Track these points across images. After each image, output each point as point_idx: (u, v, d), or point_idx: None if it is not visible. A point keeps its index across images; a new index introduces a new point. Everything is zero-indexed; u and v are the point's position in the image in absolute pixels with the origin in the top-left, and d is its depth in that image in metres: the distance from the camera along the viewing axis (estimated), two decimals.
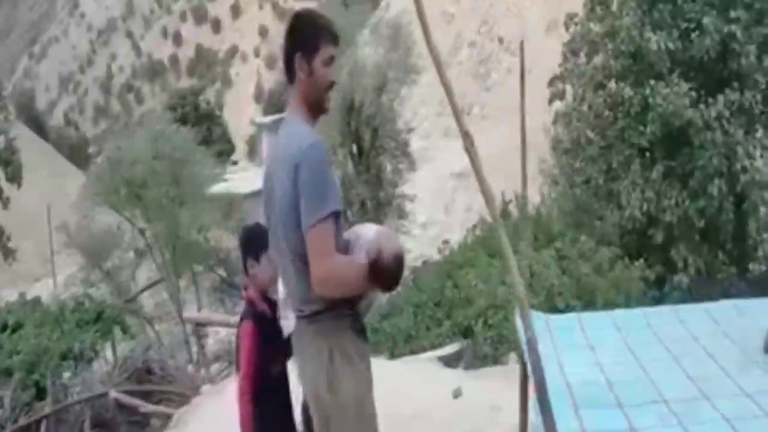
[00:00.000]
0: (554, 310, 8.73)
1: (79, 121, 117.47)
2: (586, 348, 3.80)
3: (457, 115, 2.74)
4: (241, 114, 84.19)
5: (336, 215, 3.00)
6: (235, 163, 71.54)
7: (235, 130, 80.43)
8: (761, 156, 13.47)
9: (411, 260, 12.95)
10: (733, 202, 11.90)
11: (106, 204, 20.59)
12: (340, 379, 3.15)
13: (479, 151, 2.68)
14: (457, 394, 6.57)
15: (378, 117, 18.84)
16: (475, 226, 11.65)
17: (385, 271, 3.02)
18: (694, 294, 11.71)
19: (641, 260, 11.46)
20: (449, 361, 8.63)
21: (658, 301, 11.57)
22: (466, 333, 9.52)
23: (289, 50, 3.17)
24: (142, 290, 21.10)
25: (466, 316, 9.49)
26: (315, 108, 3.21)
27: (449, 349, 9.10)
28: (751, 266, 13.43)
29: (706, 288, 12.15)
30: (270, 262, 3.65)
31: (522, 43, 6.09)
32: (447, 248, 12.89)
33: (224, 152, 70.64)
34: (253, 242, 3.79)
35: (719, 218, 11.77)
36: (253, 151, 73.01)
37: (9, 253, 18.01)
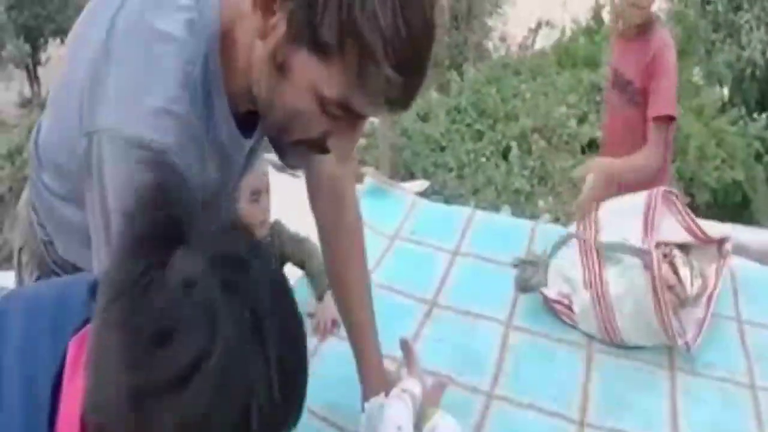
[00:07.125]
0: None
1: None
2: None
3: None
4: None
5: None
6: None
7: None
8: None
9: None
10: None
11: None
12: None
13: None
14: None
15: None
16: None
17: None
18: None
19: (763, 116, 8.95)
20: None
21: None
22: (505, 155, 7.24)
23: None
24: None
25: (506, 134, 7.15)
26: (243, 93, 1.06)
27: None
28: None
29: None
30: None
31: None
32: (503, 46, 10.32)
33: None
34: None
35: None
36: None
37: None
